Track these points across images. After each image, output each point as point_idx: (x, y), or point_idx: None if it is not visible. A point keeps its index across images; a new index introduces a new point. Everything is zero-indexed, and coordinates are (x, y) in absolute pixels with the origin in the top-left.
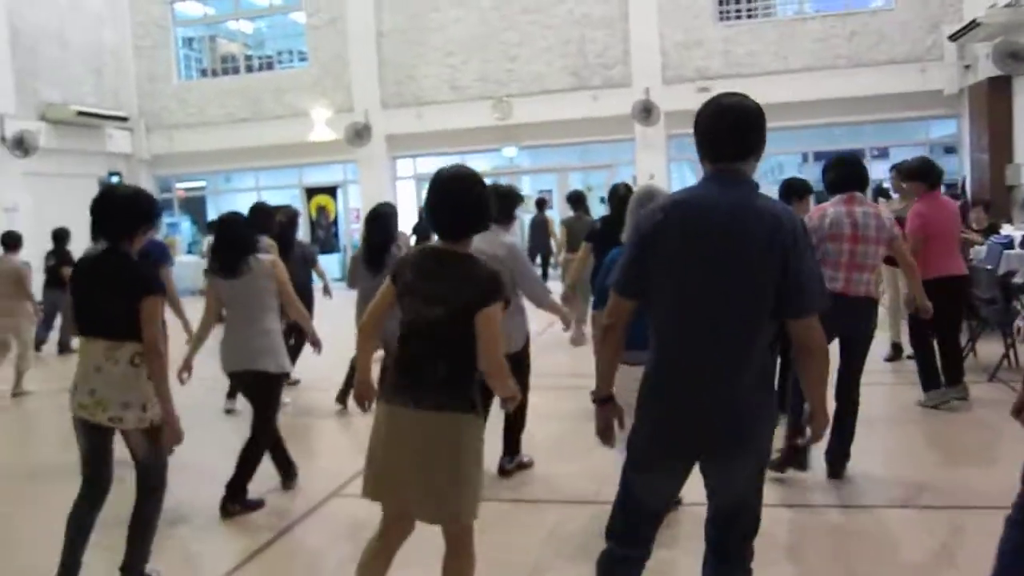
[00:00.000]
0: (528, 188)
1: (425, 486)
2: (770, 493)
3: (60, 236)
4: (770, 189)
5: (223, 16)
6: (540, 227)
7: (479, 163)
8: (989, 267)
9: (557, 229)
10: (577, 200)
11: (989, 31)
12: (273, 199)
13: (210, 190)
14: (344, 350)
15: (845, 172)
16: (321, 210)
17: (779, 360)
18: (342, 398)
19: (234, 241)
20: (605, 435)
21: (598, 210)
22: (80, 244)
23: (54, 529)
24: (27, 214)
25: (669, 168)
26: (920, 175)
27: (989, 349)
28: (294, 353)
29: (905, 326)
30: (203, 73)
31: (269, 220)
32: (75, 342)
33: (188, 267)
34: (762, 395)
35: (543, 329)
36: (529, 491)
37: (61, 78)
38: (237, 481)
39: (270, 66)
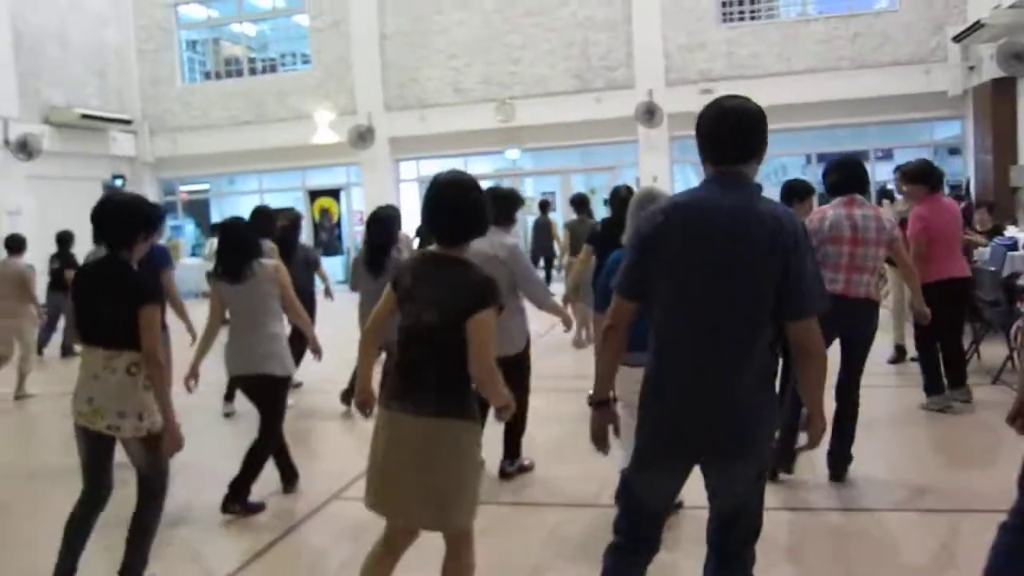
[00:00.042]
0: (531, 190)
1: (423, 492)
2: (771, 495)
3: (64, 239)
4: (773, 191)
5: (226, 19)
6: (543, 229)
7: (482, 165)
8: (993, 269)
9: (560, 232)
10: (580, 203)
11: (993, 32)
12: (276, 202)
13: (214, 193)
14: (346, 352)
15: (845, 174)
16: (324, 212)
17: (780, 362)
18: (347, 398)
19: (238, 245)
20: (599, 441)
21: (601, 213)
22: (84, 247)
23: (54, 530)
24: (31, 217)
25: (672, 170)
26: (920, 178)
27: (993, 351)
28: (296, 357)
29: (909, 328)
30: (207, 76)
31: (270, 223)
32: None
33: (192, 270)
34: (763, 395)
35: (545, 331)
36: (530, 494)
37: (64, 81)
38: (241, 481)
39: (273, 69)
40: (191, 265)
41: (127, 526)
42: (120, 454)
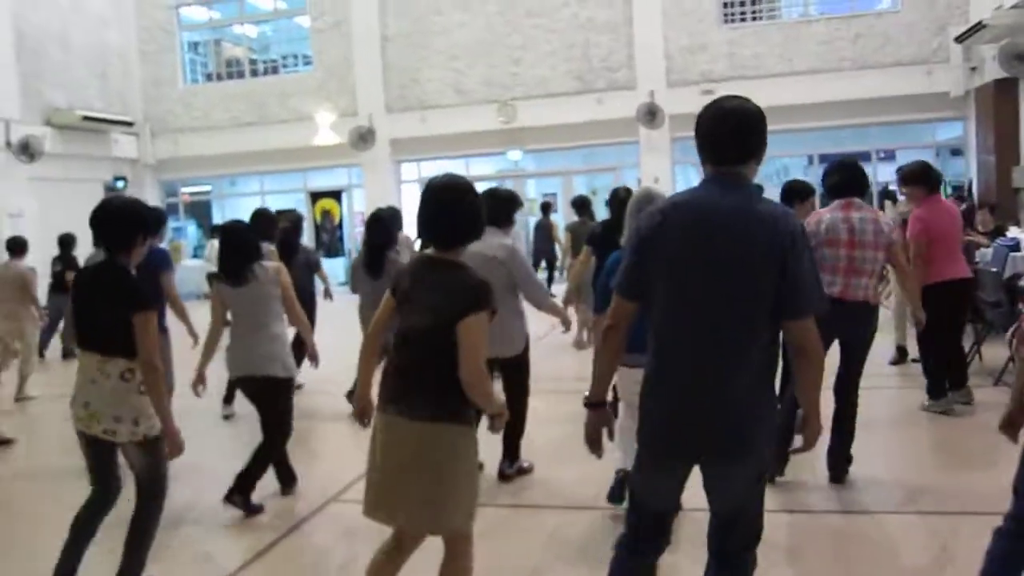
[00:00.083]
0: (533, 191)
1: (419, 496)
2: (770, 497)
3: (66, 242)
4: (774, 192)
5: (228, 20)
6: (545, 231)
7: (484, 167)
8: (994, 270)
9: (562, 233)
10: (582, 205)
11: (995, 33)
12: (278, 203)
13: (215, 194)
14: (347, 353)
15: (844, 177)
16: (326, 214)
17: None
18: (352, 398)
19: (239, 248)
20: (593, 443)
21: (603, 214)
22: (86, 250)
23: (55, 532)
24: (32, 219)
25: (674, 171)
26: (918, 179)
27: (994, 352)
28: (298, 359)
29: (911, 329)
30: (208, 77)
31: (271, 226)
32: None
33: (193, 271)
34: (762, 395)
35: (545, 333)
36: (529, 496)
37: (66, 83)
38: (247, 474)
39: (275, 70)
40: (193, 267)
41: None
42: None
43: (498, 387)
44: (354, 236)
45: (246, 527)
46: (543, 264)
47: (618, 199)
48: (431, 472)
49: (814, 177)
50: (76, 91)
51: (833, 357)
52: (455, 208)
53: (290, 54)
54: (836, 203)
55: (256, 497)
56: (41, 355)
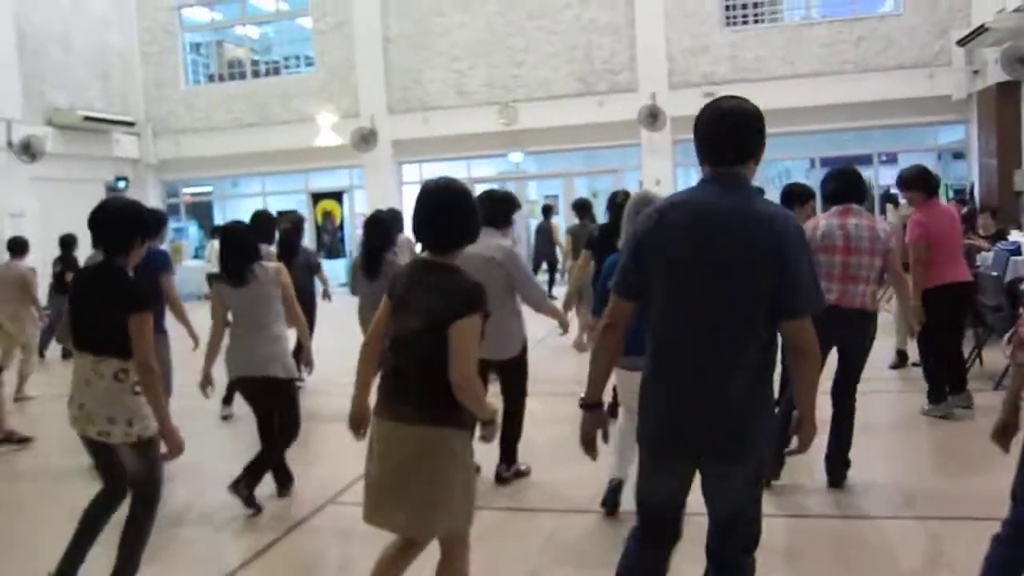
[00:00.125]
0: (534, 193)
1: (413, 500)
2: (769, 502)
3: (67, 242)
4: (775, 195)
5: (230, 21)
6: (545, 234)
7: (485, 168)
8: (995, 274)
9: (563, 235)
10: (582, 208)
11: (997, 36)
12: (279, 204)
13: (217, 195)
14: (347, 355)
15: (842, 184)
16: (327, 215)
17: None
18: None
19: (240, 248)
20: (588, 444)
21: (604, 217)
22: (87, 250)
23: (54, 532)
24: (34, 219)
25: (675, 173)
26: (917, 183)
27: (995, 356)
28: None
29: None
30: (210, 78)
31: (270, 228)
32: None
33: (195, 272)
34: (762, 395)
35: (545, 335)
36: (526, 499)
37: (68, 83)
38: (255, 467)
39: (277, 71)
40: (194, 267)
41: None
42: None
43: (496, 389)
44: (355, 237)
45: (244, 528)
46: (544, 267)
47: (616, 203)
48: (427, 475)
49: (816, 180)
50: (78, 92)
51: (831, 361)
52: (450, 211)
53: (292, 55)
54: (834, 209)
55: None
56: (41, 355)
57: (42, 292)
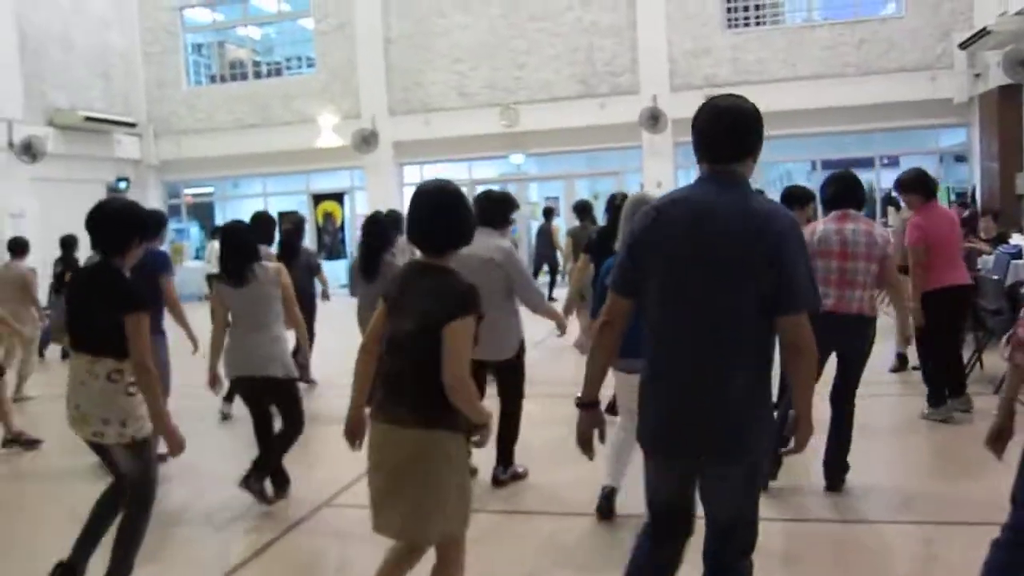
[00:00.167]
0: (535, 195)
1: (408, 504)
2: (767, 505)
3: (68, 243)
4: (776, 197)
5: (232, 22)
6: (546, 236)
7: (486, 170)
8: (996, 277)
9: (563, 237)
10: (583, 209)
11: (999, 39)
12: (280, 205)
13: (218, 196)
14: (346, 356)
15: (840, 188)
16: (328, 216)
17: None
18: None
19: (240, 247)
20: (585, 444)
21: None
22: (88, 251)
23: (55, 532)
24: (34, 220)
25: (676, 175)
26: (915, 187)
27: (995, 360)
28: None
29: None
30: (212, 79)
31: (270, 229)
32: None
33: (195, 272)
34: (761, 396)
35: (544, 337)
36: (523, 501)
37: (69, 84)
38: (263, 462)
39: (278, 72)
40: (195, 268)
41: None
42: None
43: (493, 391)
44: (356, 239)
45: (242, 529)
46: (545, 268)
47: (615, 205)
48: (421, 479)
49: (817, 183)
50: (79, 92)
51: (831, 366)
52: (444, 214)
53: (293, 56)
54: (832, 214)
55: (250, 501)
56: (41, 355)
57: (42, 293)
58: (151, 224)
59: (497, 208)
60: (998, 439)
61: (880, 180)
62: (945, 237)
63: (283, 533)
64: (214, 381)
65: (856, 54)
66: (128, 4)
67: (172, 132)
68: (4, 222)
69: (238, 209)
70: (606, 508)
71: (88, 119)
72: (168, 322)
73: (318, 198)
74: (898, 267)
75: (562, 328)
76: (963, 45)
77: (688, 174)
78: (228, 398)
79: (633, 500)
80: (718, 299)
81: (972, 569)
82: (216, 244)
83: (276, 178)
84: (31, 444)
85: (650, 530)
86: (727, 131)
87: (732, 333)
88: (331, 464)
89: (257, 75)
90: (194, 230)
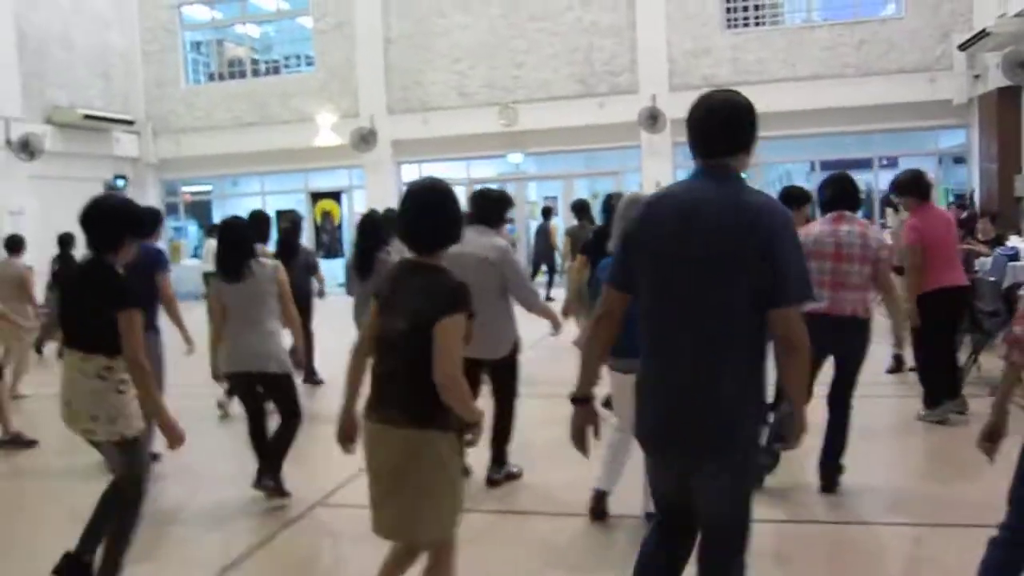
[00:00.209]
0: (534, 195)
1: (401, 504)
2: (761, 505)
3: (65, 241)
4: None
5: (230, 20)
6: (545, 235)
7: (485, 169)
8: (993, 279)
9: (561, 237)
10: (581, 209)
11: (999, 41)
12: (279, 203)
13: (216, 194)
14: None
15: (836, 191)
16: (326, 215)
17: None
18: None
19: (237, 243)
20: (579, 440)
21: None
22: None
23: (55, 532)
24: (33, 217)
25: (675, 175)
26: (910, 188)
27: (992, 362)
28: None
29: (908, 338)
30: (210, 77)
31: (266, 228)
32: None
33: (193, 270)
34: (754, 392)
35: (541, 336)
36: (517, 502)
37: (68, 83)
38: (270, 460)
39: (277, 70)
40: (193, 266)
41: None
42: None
43: (490, 390)
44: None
45: (236, 528)
46: (544, 268)
47: (611, 205)
48: (413, 479)
49: (816, 184)
50: (78, 90)
51: (828, 367)
52: (434, 212)
53: (292, 55)
54: (828, 216)
55: (245, 500)
56: (39, 352)
57: (40, 290)
58: (145, 221)
59: (493, 207)
60: (990, 439)
61: (879, 181)
62: (941, 238)
63: (277, 532)
64: (217, 373)
65: (855, 55)
66: (127, 2)
67: (170, 130)
68: (3, 220)
69: (236, 207)
70: (598, 510)
71: (86, 117)
72: (163, 319)
73: (316, 197)
74: (898, 268)
75: (557, 327)
76: (962, 46)
77: (687, 174)
78: (230, 393)
79: (627, 501)
80: (709, 294)
81: (966, 570)
82: (213, 242)
83: (274, 176)
84: (28, 445)
85: (657, 525)
86: (720, 125)
87: (724, 328)
88: (325, 463)
89: (256, 73)
90: (192, 228)
